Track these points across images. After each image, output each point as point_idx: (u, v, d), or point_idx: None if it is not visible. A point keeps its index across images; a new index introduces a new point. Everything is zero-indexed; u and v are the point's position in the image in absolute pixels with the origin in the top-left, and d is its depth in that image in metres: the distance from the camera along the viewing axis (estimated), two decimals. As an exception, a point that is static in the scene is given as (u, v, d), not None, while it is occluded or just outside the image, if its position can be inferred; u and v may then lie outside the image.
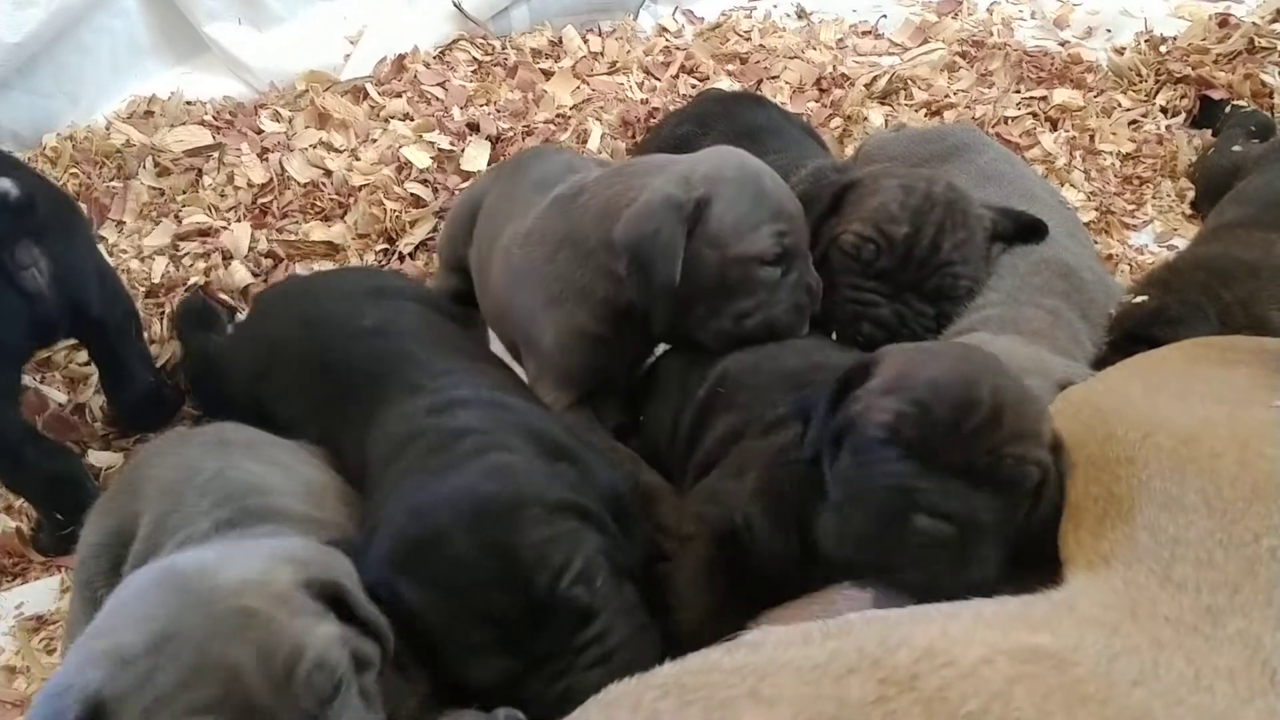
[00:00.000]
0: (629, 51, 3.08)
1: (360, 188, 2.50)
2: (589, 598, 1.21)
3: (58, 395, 2.11)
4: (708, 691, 0.84)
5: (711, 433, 1.60)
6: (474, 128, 2.71)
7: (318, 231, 2.43)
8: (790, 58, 3.03)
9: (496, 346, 1.98)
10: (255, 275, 2.35)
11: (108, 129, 2.73)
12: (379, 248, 2.41)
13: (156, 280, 2.32)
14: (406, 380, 1.57)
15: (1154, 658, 0.85)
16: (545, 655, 1.19)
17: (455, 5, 3.13)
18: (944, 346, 1.39)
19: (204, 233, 2.42)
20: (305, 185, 2.54)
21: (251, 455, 1.50)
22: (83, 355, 2.17)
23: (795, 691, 0.82)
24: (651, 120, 2.71)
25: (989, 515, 1.17)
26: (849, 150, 2.58)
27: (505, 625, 1.18)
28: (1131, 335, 1.69)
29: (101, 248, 2.36)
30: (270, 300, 1.97)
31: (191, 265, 2.36)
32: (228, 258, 2.37)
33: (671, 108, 2.70)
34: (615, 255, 1.65)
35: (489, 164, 2.55)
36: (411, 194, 2.49)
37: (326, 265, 2.39)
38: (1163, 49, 2.92)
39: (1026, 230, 1.81)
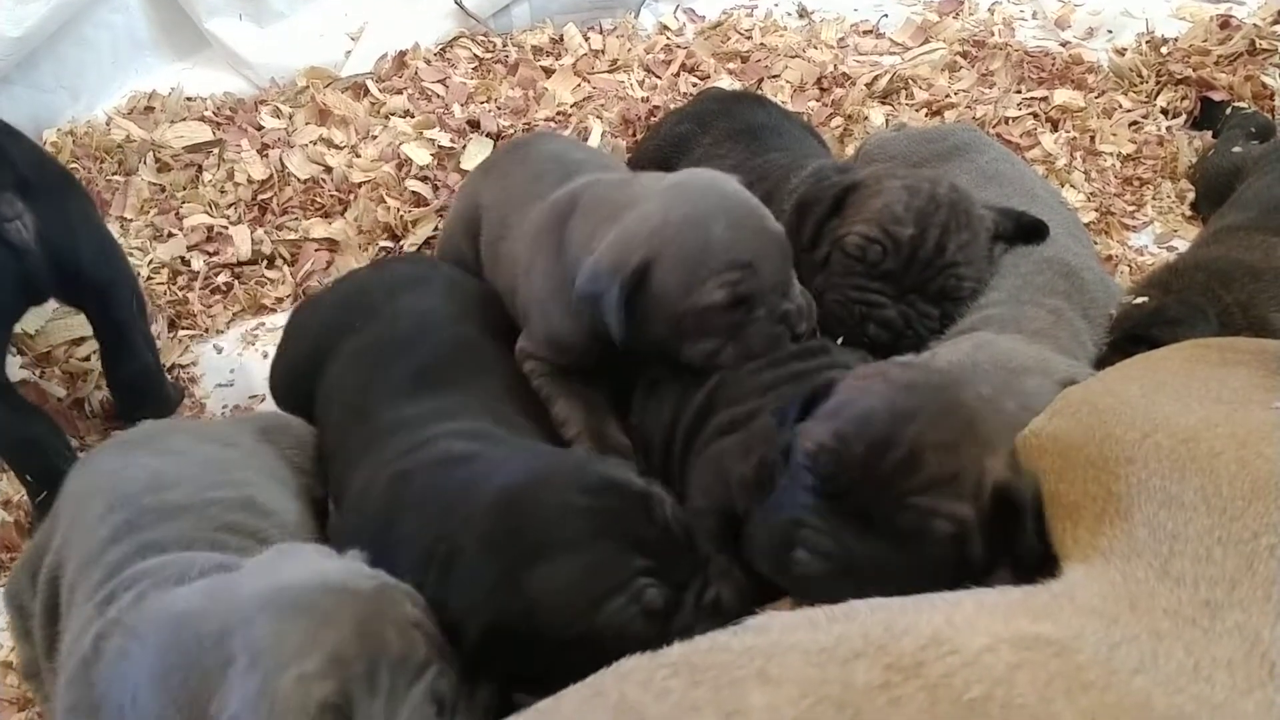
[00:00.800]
0: (630, 50, 3.08)
1: (361, 184, 2.50)
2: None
3: (57, 390, 2.11)
4: (716, 672, 0.85)
5: (710, 428, 1.60)
6: (474, 125, 2.71)
7: (318, 229, 2.43)
8: (791, 57, 3.03)
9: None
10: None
11: (108, 124, 2.73)
12: (382, 244, 2.41)
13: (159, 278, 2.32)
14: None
15: (1153, 648, 0.86)
16: (686, 581, 1.24)
17: (456, 2, 3.13)
18: (901, 376, 1.31)
19: (207, 231, 2.42)
20: (305, 182, 2.54)
21: (150, 449, 1.48)
22: (83, 350, 2.17)
23: (802, 674, 0.82)
24: (652, 118, 2.71)
25: (875, 562, 1.15)
26: (849, 150, 2.58)
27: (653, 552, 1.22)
28: (1131, 336, 1.70)
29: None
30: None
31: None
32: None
33: (672, 106, 2.70)
34: (579, 302, 1.67)
35: (489, 162, 2.55)
36: (412, 192, 2.49)
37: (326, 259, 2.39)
38: (1164, 50, 2.92)
39: (1028, 230, 1.81)
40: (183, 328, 2.26)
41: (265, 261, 2.40)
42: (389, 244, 2.43)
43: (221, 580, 1.17)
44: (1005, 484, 1.20)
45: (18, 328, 2.07)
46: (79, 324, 2.19)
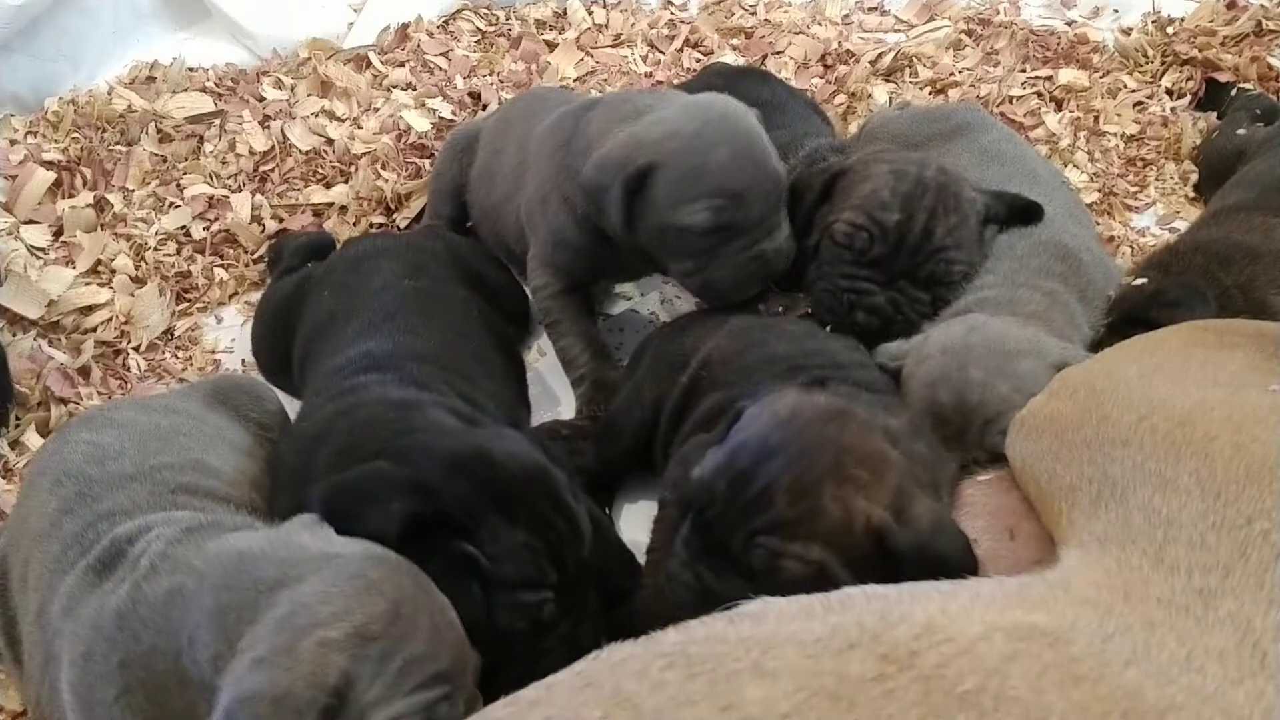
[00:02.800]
0: (633, 24, 3.07)
1: (361, 156, 2.50)
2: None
3: (61, 356, 2.11)
4: (713, 663, 0.85)
5: (696, 413, 1.60)
6: (476, 97, 2.71)
7: (318, 195, 2.43)
8: (795, 33, 3.01)
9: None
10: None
11: (109, 94, 2.72)
12: (375, 219, 2.40)
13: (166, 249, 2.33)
14: None
15: (1146, 638, 0.86)
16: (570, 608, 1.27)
17: (459, -26, 3.11)
18: (789, 408, 1.28)
19: (209, 201, 2.42)
20: (307, 153, 2.53)
21: (89, 427, 1.47)
22: (91, 319, 2.17)
23: (797, 665, 0.82)
24: (655, 94, 2.70)
25: (730, 598, 1.12)
26: (853, 127, 2.57)
27: (562, 568, 1.26)
28: (1129, 317, 1.70)
29: (108, 214, 2.37)
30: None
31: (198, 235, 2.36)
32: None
33: (675, 81, 2.69)
34: (582, 190, 1.77)
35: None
36: (411, 163, 2.48)
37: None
38: (1170, 30, 2.90)
39: (1020, 213, 1.80)
40: (185, 299, 2.25)
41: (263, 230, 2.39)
42: (381, 219, 2.42)
43: (284, 532, 1.17)
44: (880, 528, 1.18)
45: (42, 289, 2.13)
46: (90, 292, 2.20)
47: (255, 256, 2.34)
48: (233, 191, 2.44)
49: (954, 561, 1.16)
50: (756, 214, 1.69)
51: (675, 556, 1.26)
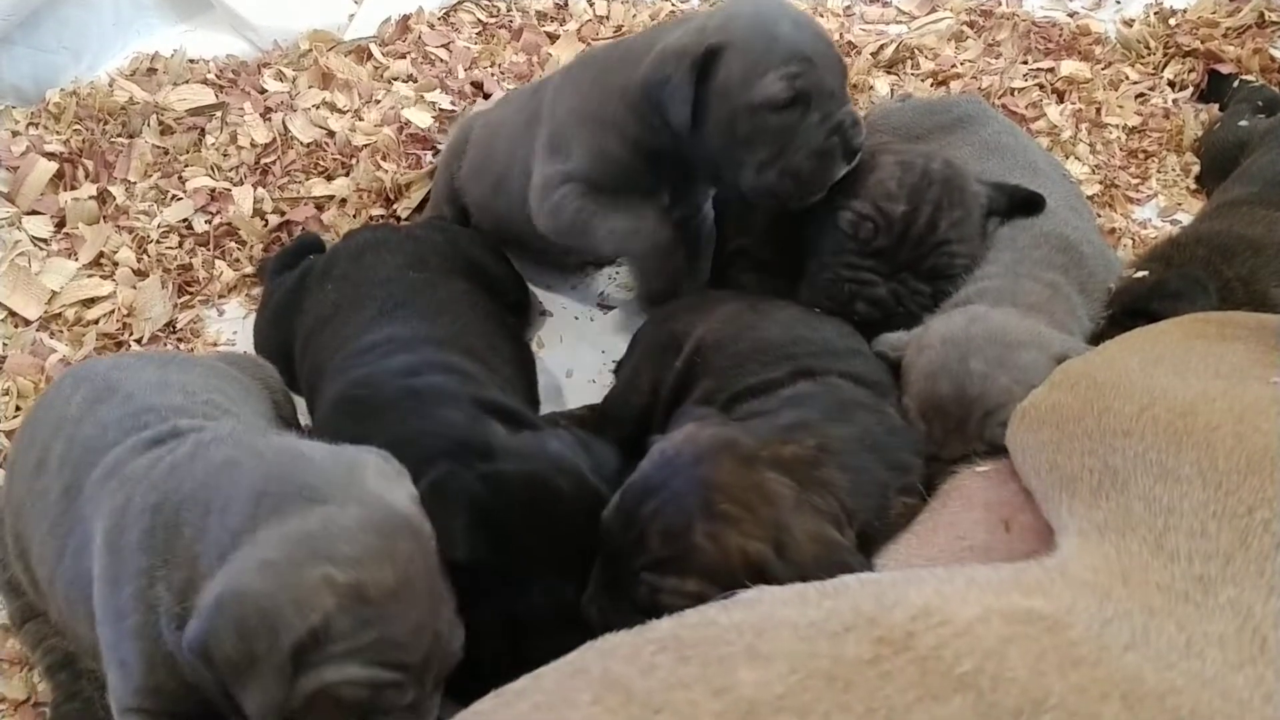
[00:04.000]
0: (635, 15, 3.06)
1: (362, 148, 2.50)
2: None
3: (61, 348, 2.11)
4: (705, 648, 0.85)
5: (689, 399, 1.61)
6: (478, 87, 2.71)
7: (320, 187, 2.43)
8: (797, 25, 3.00)
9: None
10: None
11: (111, 86, 2.71)
12: (374, 211, 2.40)
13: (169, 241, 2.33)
14: None
15: (1145, 623, 0.86)
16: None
17: (461, -34, 3.11)
18: (673, 447, 1.31)
19: (210, 194, 2.42)
20: (308, 145, 2.53)
21: (102, 363, 1.50)
22: (93, 312, 2.17)
23: (791, 648, 0.82)
24: (657, 85, 2.69)
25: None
26: (855, 119, 2.57)
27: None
28: (1131, 309, 1.70)
29: (110, 206, 2.37)
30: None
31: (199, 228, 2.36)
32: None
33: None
34: (640, 96, 1.71)
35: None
36: (411, 154, 2.48)
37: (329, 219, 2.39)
38: (1172, 21, 2.90)
39: (1021, 205, 1.80)
40: (187, 291, 2.26)
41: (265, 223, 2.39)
42: (380, 211, 2.41)
43: (350, 455, 1.20)
44: (758, 562, 1.18)
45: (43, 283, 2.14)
46: (92, 284, 2.20)
47: (260, 249, 2.34)
48: (234, 184, 2.44)
49: None
50: (829, 79, 1.65)
51: (590, 585, 1.29)
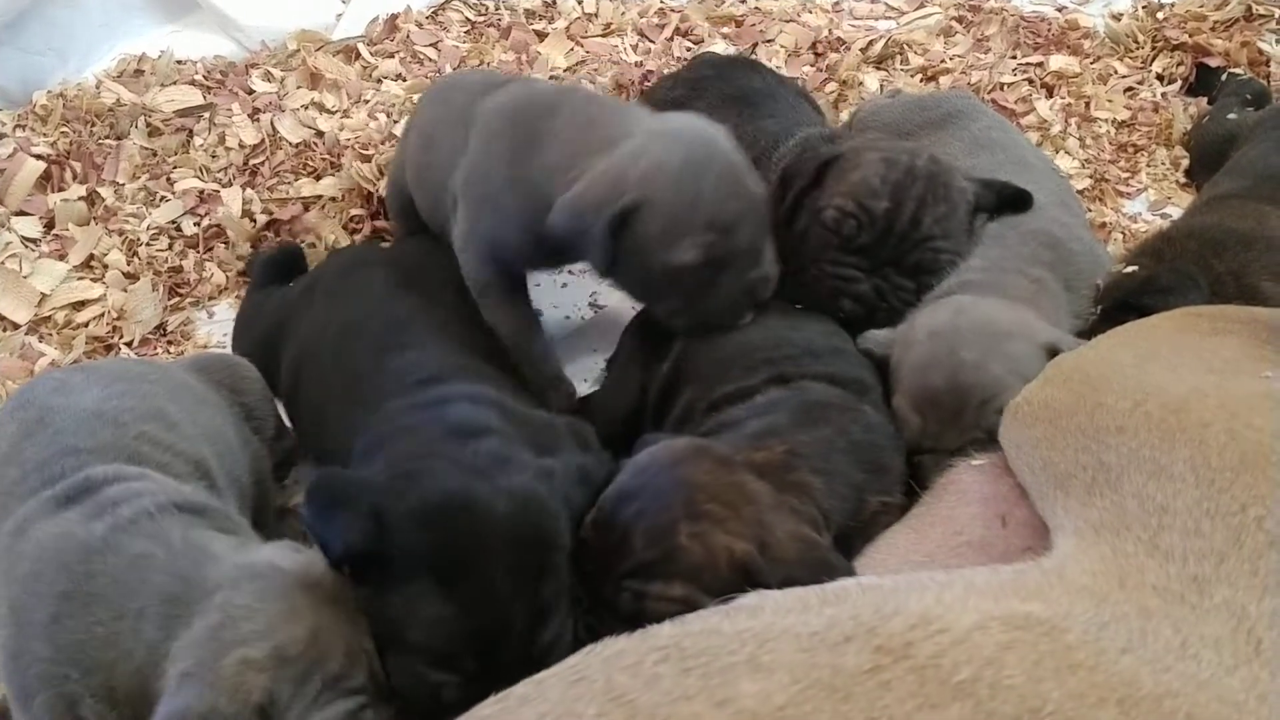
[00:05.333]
0: (623, 13, 3.06)
1: (347, 145, 2.49)
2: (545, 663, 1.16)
3: (51, 352, 2.10)
4: (708, 657, 0.85)
5: (674, 408, 1.61)
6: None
7: (309, 188, 2.42)
8: (786, 21, 3.00)
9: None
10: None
11: (98, 88, 2.70)
12: (353, 211, 2.39)
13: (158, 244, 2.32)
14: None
15: (1141, 626, 0.87)
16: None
17: (448, -36, 3.10)
18: (646, 454, 1.31)
19: (199, 195, 2.40)
20: (297, 146, 2.52)
21: (61, 370, 1.53)
22: (83, 315, 2.16)
23: (792, 659, 0.82)
24: (646, 83, 2.69)
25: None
26: (844, 115, 2.57)
27: (492, 665, 1.14)
28: (1121, 304, 1.69)
29: (99, 208, 2.36)
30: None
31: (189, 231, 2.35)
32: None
33: (666, 71, 2.68)
34: (552, 231, 1.66)
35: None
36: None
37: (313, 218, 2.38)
38: (1160, 15, 2.90)
39: (1009, 202, 1.80)
40: (177, 293, 2.25)
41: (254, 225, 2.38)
42: (360, 211, 2.39)
43: (252, 547, 1.22)
44: (745, 562, 1.18)
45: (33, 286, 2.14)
46: (82, 288, 2.20)
47: (250, 250, 2.33)
48: (223, 185, 2.43)
49: None
50: (745, 243, 1.62)
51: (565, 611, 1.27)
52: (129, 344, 2.11)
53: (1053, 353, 1.49)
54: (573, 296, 2.23)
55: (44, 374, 1.50)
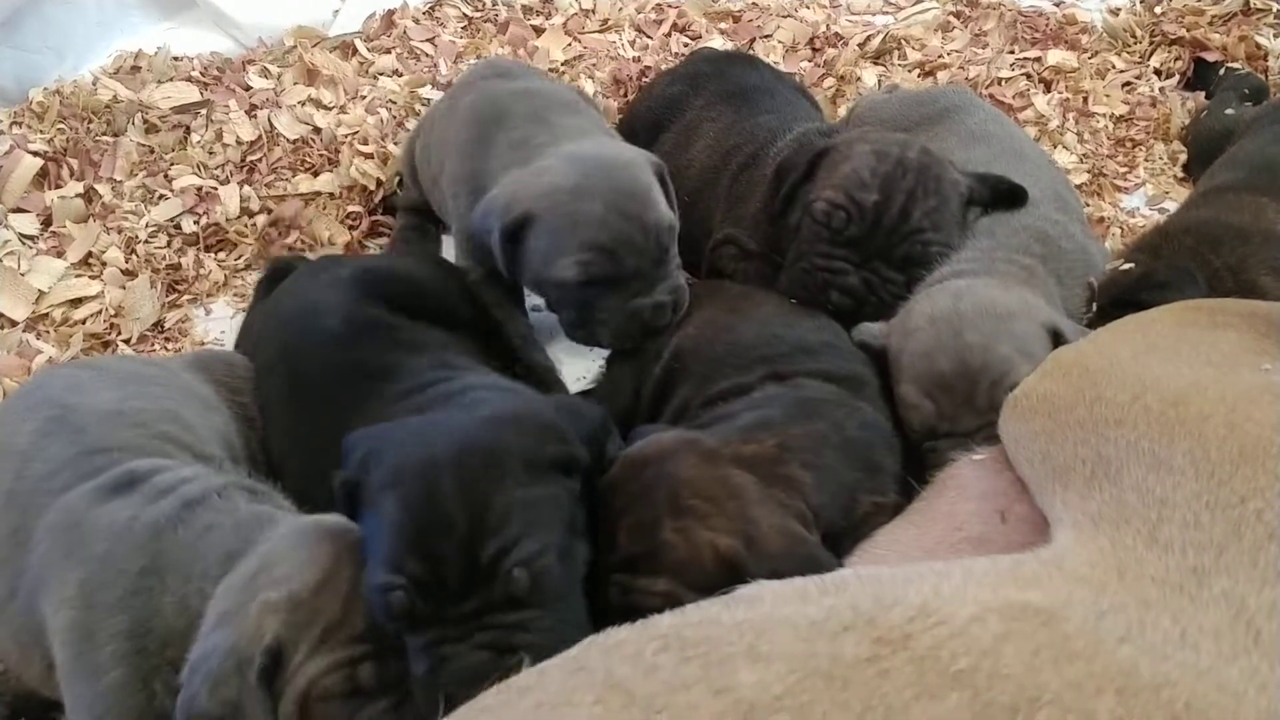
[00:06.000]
0: (621, 9, 3.05)
1: (346, 138, 2.48)
2: (524, 587, 1.13)
3: (48, 349, 2.10)
4: (707, 647, 0.85)
5: (669, 406, 1.61)
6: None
7: (306, 184, 2.42)
8: (783, 16, 3.00)
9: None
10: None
11: (94, 85, 2.70)
12: (351, 208, 2.39)
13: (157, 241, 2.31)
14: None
15: (1140, 616, 0.86)
16: (457, 617, 1.13)
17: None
18: (633, 450, 1.34)
19: (197, 193, 2.40)
20: (294, 142, 2.52)
21: (72, 365, 1.56)
22: (80, 312, 2.16)
23: (791, 649, 0.83)
24: (644, 79, 2.69)
25: None
26: (842, 111, 2.57)
27: (438, 571, 1.12)
28: (1120, 300, 1.70)
29: (97, 205, 2.36)
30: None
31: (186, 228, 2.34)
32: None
33: (664, 66, 2.68)
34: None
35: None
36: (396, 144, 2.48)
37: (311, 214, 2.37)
38: (1157, 10, 2.91)
39: (1003, 196, 1.80)
40: (175, 290, 2.24)
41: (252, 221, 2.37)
42: (358, 207, 2.39)
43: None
44: (730, 558, 1.18)
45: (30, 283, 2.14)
46: (80, 285, 2.19)
47: (248, 246, 2.33)
48: (221, 182, 2.43)
49: None
50: (630, 268, 1.70)
51: None
52: (127, 341, 2.11)
53: (1053, 333, 1.50)
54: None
55: (49, 370, 1.52)
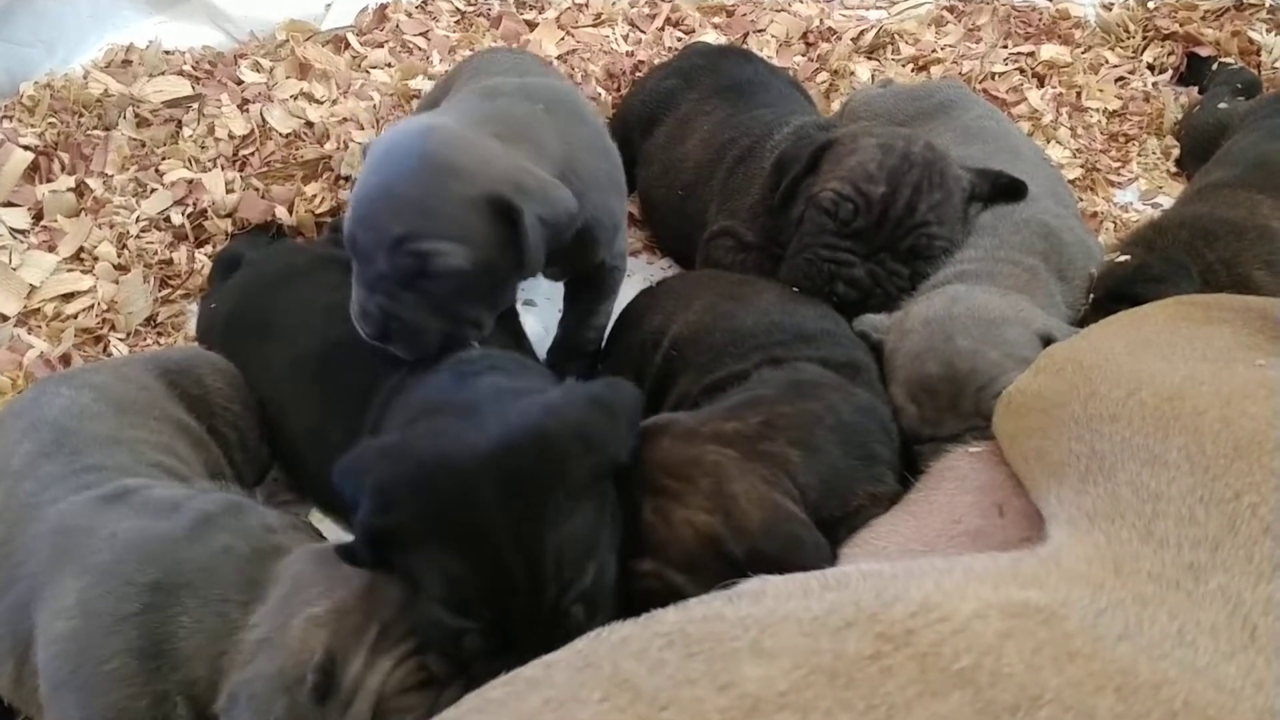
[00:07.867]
0: (614, 3, 3.05)
1: (339, 123, 2.48)
2: (583, 619, 1.13)
3: (39, 344, 2.09)
4: (711, 643, 0.85)
5: (669, 398, 1.61)
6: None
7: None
8: (777, 11, 3.01)
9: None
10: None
11: (85, 78, 2.69)
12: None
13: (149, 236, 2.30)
14: None
15: (1138, 613, 0.86)
16: (523, 649, 1.08)
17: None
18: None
19: (189, 186, 2.39)
20: (287, 136, 2.51)
21: (69, 384, 1.49)
22: (72, 306, 2.15)
23: (794, 644, 0.83)
24: (637, 73, 2.69)
25: None
26: (835, 105, 2.57)
27: (505, 620, 1.12)
28: (1114, 294, 1.70)
29: (88, 199, 2.35)
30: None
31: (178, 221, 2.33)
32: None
33: (657, 60, 2.68)
34: None
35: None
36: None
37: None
38: (1151, 5, 2.92)
39: (1004, 191, 1.81)
40: (167, 284, 2.24)
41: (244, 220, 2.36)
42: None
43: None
44: (711, 535, 1.18)
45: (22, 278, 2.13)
46: (71, 279, 2.18)
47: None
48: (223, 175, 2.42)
49: (788, 564, 1.09)
50: (363, 247, 1.45)
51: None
52: (120, 336, 2.10)
53: (1047, 340, 1.50)
54: (567, 286, 2.23)
55: (44, 386, 1.47)
